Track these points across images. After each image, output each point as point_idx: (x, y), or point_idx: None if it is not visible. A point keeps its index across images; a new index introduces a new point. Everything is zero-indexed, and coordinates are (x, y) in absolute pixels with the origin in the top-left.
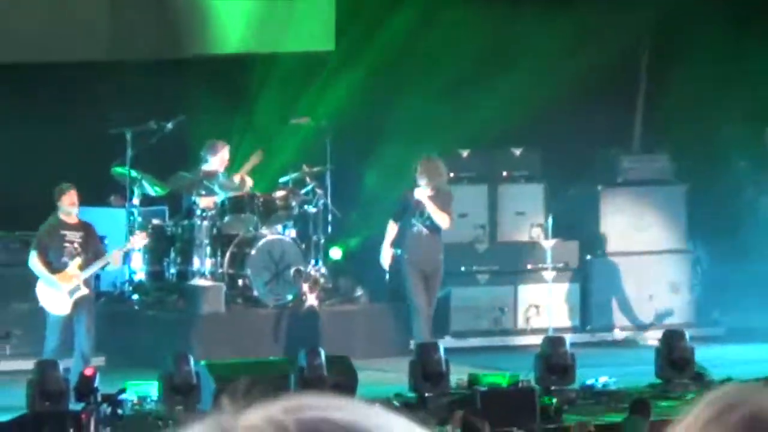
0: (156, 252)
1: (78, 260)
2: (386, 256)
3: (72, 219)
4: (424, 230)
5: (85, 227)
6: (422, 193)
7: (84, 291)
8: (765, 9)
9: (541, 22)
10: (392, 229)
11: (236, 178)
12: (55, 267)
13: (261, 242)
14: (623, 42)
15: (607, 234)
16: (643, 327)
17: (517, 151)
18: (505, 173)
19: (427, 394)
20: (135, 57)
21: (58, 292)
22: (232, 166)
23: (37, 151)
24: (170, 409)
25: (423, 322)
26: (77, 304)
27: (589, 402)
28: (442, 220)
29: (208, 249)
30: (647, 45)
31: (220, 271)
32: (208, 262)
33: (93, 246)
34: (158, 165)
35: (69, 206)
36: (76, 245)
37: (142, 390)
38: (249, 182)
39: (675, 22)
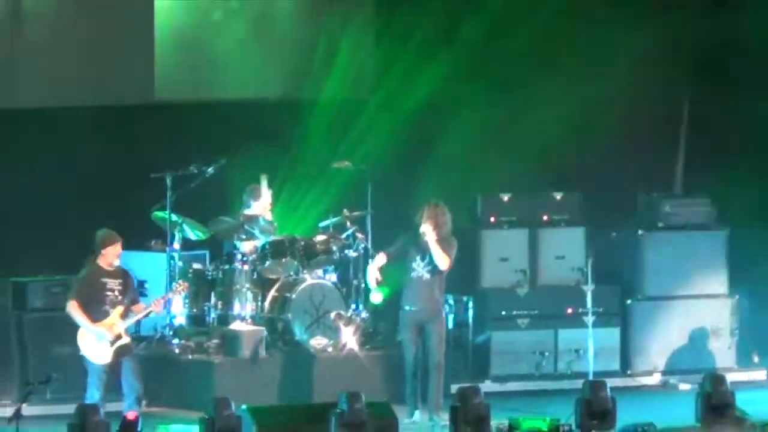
0: (196, 296)
1: (119, 309)
2: (372, 275)
3: (112, 266)
4: (426, 275)
5: (123, 274)
6: (429, 234)
7: (126, 340)
8: None
9: (583, 66)
10: (380, 258)
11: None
12: (95, 316)
13: (301, 286)
14: (665, 85)
15: (648, 278)
16: (683, 371)
17: (558, 195)
18: (545, 217)
19: None
20: (177, 100)
21: (100, 342)
22: (274, 211)
23: (79, 195)
24: None
25: (411, 382)
26: (119, 353)
27: None
28: (442, 260)
29: (249, 293)
30: (689, 88)
31: (260, 315)
32: (249, 307)
33: (131, 293)
34: (199, 209)
35: (114, 257)
36: (116, 293)
37: None
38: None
39: (717, 64)
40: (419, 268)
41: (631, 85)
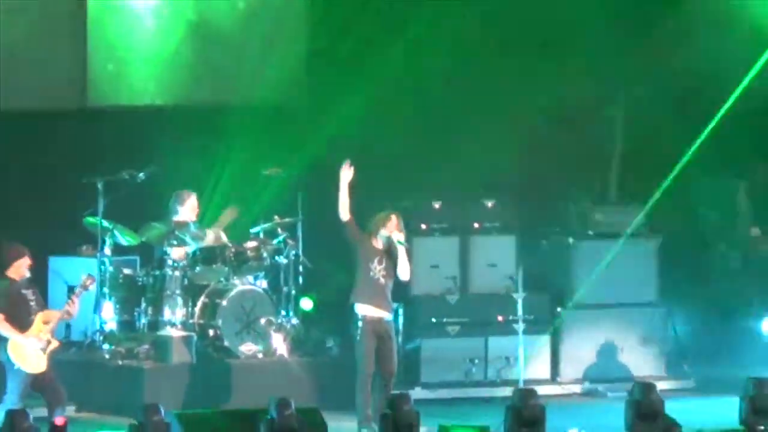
0: (127, 302)
1: (41, 315)
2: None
3: (23, 277)
4: (382, 279)
5: (31, 282)
6: (401, 240)
7: (56, 343)
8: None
9: (516, 75)
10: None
11: (210, 235)
12: (24, 327)
13: (232, 293)
14: (598, 95)
15: (579, 286)
16: (613, 379)
17: (489, 203)
18: (476, 225)
19: None
20: (109, 105)
21: (35, 351)
22: (204, 219)
23: (9, 200)
24: None
25: (366, 392)
26: (51, 358)
27: None
28: (407, 270)
29: (179, 299)
30: (622, 99)
31: (191, 321)
32: (179, 313)
33: (41, 299)
34: (130, 215)
35: (26, 269)
36: (35, 302)
37: None
38: (223, 238)
39: (651, 75)
40: (376, 271)
41: (565, 93)
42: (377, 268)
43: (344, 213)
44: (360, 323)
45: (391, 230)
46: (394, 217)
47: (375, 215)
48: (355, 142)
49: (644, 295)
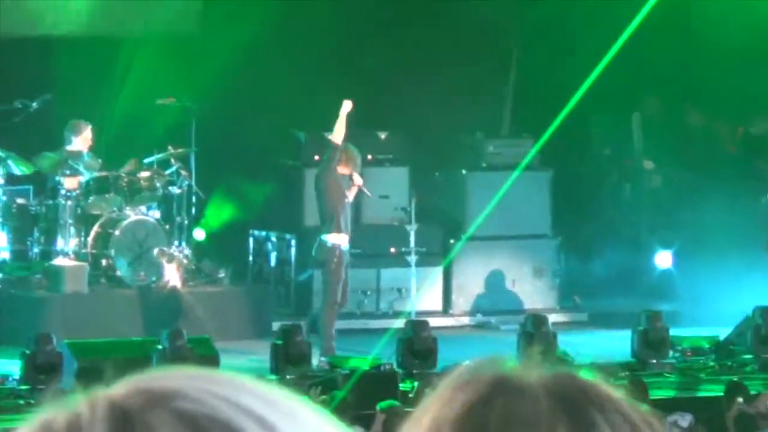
0: (20, 231)
1: None
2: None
3: None
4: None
5: None
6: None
7: None
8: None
9: (411, 6)
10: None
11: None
12: None
13: (125, 223)
14: (494, 28)
15: (471, 218)
16: (505, 311)
17: (383, 135)
18: (369, 156)
19: (288, 377)
20: (1, 35)
21: None
22: (98, 148)
23: None
24: (32, 388)
25: (334, 321)
26: None
27: None
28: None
29: (72, 229)
30: (518, 33)
31: (83, 251)
32: (72, 242)
33: None
34: (23, 144)
35: None
36: None
37: (4, 369)
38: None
39: (546, 12)
40: (350, 198)
41: (460, 26)
42: (349, 195)
43: (338, 138)
44: (336, 252)
45: (354, 169)
46: (358, 156)
47: (347, 145)
48: (248, 73)
49: (537, 227)
